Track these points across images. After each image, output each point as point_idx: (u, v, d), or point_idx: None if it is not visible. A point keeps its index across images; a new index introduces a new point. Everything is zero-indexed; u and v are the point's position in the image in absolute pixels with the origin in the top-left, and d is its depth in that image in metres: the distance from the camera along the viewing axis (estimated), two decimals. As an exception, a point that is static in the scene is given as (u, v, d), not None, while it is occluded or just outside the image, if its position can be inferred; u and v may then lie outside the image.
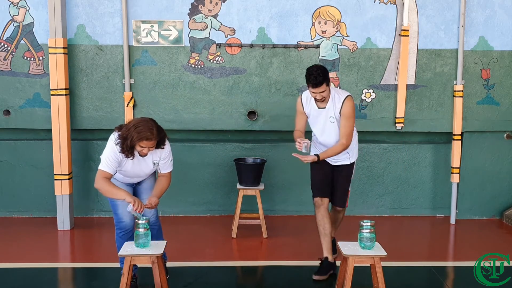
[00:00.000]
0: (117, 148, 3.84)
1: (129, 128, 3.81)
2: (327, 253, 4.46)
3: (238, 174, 5.46)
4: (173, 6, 5.67)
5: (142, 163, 4.00)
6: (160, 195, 4.05)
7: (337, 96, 4.35)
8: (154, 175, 4.28)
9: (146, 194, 4.13)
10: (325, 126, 4.43)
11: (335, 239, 4.56)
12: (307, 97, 4.48)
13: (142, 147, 3.81)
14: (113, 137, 3.89)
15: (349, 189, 4.62)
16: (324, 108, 4.38)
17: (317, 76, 4.17)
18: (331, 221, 4.52)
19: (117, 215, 4.09)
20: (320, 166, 4.50)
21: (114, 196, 3.88)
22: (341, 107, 4.32)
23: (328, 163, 4.52)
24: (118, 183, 4.06)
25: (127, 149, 3.81)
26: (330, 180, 4.54)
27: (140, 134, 3.75)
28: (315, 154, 4.39)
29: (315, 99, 4.36)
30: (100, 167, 3.87)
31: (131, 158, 3.90)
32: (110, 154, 3.86)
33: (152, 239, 3.83)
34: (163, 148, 4.01)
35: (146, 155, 3.91)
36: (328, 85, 4.27)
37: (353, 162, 4.58)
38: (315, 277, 4.40)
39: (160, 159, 4.05)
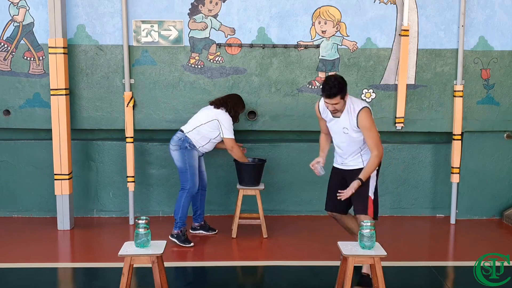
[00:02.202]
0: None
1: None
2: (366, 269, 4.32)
3: (238, 174, 5.46)
4: (173, 6, 5.66)
5: None
6: None
7: (352, 107, 4.11)
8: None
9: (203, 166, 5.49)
10: (340, 135, 4.25)
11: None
12: (324, 103, 4.23)
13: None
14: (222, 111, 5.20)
15: (371, 195, 4.19)
16: (339, 118, 4.18)
17: (332, 87, 3.97)
18: (355, 231, 4.27)
19: (193, 181, 5.13)
20: (333, 176, 4.42)
21: None
22: (357, 121, 4.09)
23: (340, 170, 4.37)
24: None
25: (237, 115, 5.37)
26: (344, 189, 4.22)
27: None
28: (358, 179, 4.09)
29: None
30: (231, 136, 5.18)
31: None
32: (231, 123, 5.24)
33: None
34: None
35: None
36: (343, 98, 4.04)
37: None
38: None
39: None
